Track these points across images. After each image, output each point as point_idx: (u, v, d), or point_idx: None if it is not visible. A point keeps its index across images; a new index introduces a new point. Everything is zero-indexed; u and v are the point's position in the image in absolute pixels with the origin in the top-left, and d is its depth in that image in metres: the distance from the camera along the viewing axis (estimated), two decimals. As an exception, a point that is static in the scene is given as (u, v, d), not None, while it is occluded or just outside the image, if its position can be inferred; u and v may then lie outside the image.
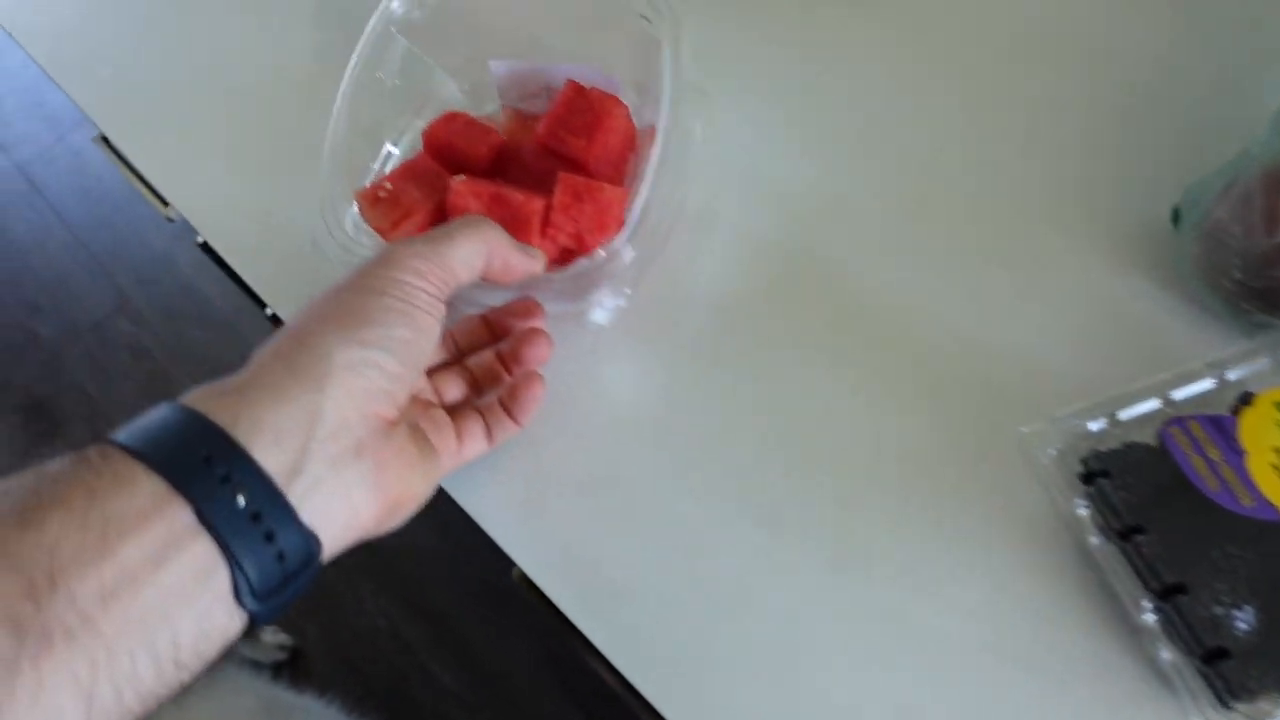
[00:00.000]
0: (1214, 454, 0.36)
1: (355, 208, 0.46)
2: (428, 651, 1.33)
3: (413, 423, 0.36)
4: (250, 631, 1.09)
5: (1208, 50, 0.51)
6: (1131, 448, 0.37)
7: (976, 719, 0.37)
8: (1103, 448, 0.38)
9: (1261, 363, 0.38)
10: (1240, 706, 0.32)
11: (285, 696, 0.80)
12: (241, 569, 0.27)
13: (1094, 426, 0.38)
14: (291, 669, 1.27)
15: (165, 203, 0.83)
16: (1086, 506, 0.37)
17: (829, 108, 0.53)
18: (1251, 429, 0.36)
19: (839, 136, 0.52)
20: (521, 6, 0.50)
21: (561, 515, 0.44)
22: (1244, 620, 0.33)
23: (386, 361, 0.32)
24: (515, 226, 0.42)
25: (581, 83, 0.47)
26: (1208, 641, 0.33)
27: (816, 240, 0.49)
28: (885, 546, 0.41)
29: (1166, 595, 0.34)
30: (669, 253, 0.48)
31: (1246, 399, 0.37)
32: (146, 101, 0.63)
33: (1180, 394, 0.38)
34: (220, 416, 0.28)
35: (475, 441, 0.41)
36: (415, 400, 0.40)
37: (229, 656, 0.88)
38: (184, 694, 0.27)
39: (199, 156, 0.60)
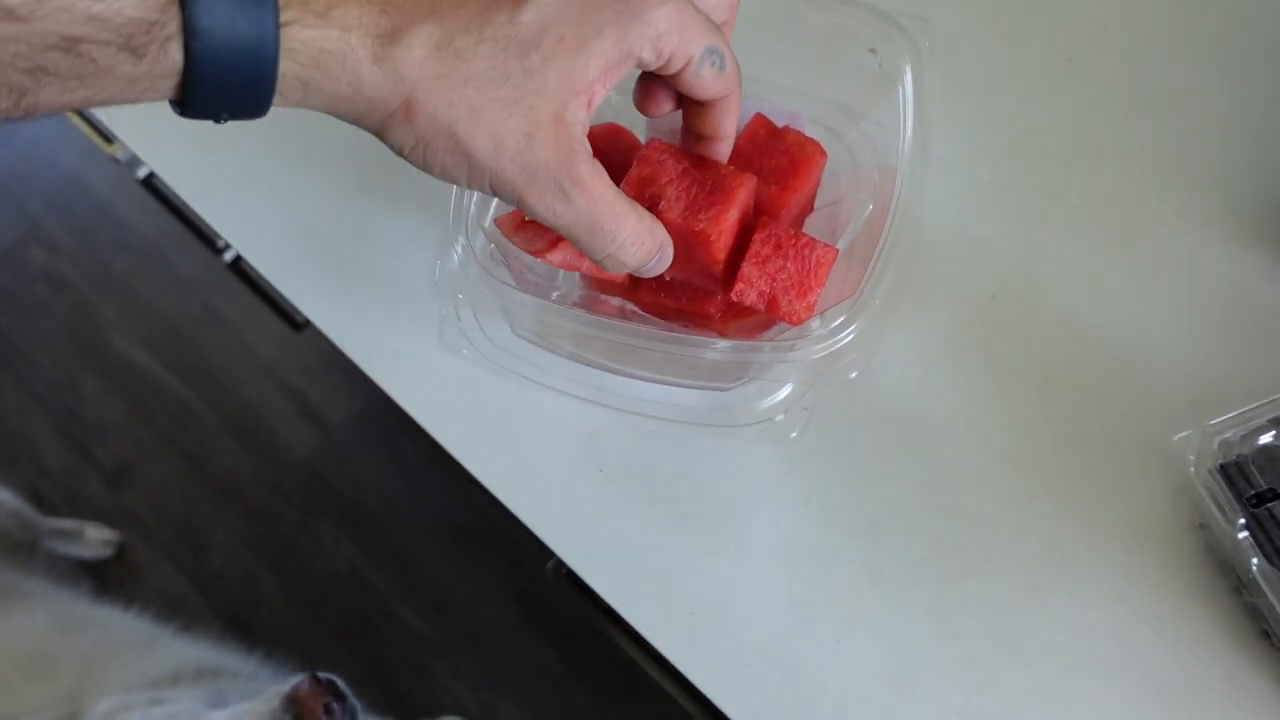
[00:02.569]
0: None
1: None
2: (391, 593, 1.30)
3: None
4: (74, 531, 1.07)
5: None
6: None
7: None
8: (1267, 462, 0.34)
9: None
10: None
11: (82, 610, 0.80)
12: (198, 42, 0.24)
13: (1264, 439, 0.34)
14: (118, 565, 1.28)
15: (109, 140, 0.73)
16: (1248, 528, 0.33)
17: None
18: None
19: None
20: None
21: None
22: None
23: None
24: (714, 200, 0.36)
25: (768, 117, 0.40)
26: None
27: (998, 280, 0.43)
28: (1003, 560, 0.38)
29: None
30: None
31: None
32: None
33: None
34: None
35: None
36: None
37: (33, 569, 0.91)
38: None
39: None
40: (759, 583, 0.38)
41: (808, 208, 0.42)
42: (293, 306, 0.47)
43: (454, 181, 0.29)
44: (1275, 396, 0.35)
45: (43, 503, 1.31)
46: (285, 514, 1.36)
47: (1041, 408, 0.40)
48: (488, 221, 0.40)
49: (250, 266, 0.72)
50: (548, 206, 0.30)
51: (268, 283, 0.47)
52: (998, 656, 0.37)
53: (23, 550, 1.01)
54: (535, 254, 0.37)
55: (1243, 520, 0.34)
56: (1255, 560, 0.33)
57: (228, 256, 0.82)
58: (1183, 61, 0.47)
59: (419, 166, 0.29)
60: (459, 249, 0.37)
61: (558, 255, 0.37)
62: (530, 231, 0.37)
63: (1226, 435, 0.35)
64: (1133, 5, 0.49)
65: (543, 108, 0.28)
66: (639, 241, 0.32)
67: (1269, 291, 0.41)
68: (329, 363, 1.46)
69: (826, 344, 0.34)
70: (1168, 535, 0.37)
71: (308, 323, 0.47)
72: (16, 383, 1.50)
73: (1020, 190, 0.44)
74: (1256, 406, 0.35)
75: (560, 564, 0.48)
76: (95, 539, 1.26)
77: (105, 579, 1.27)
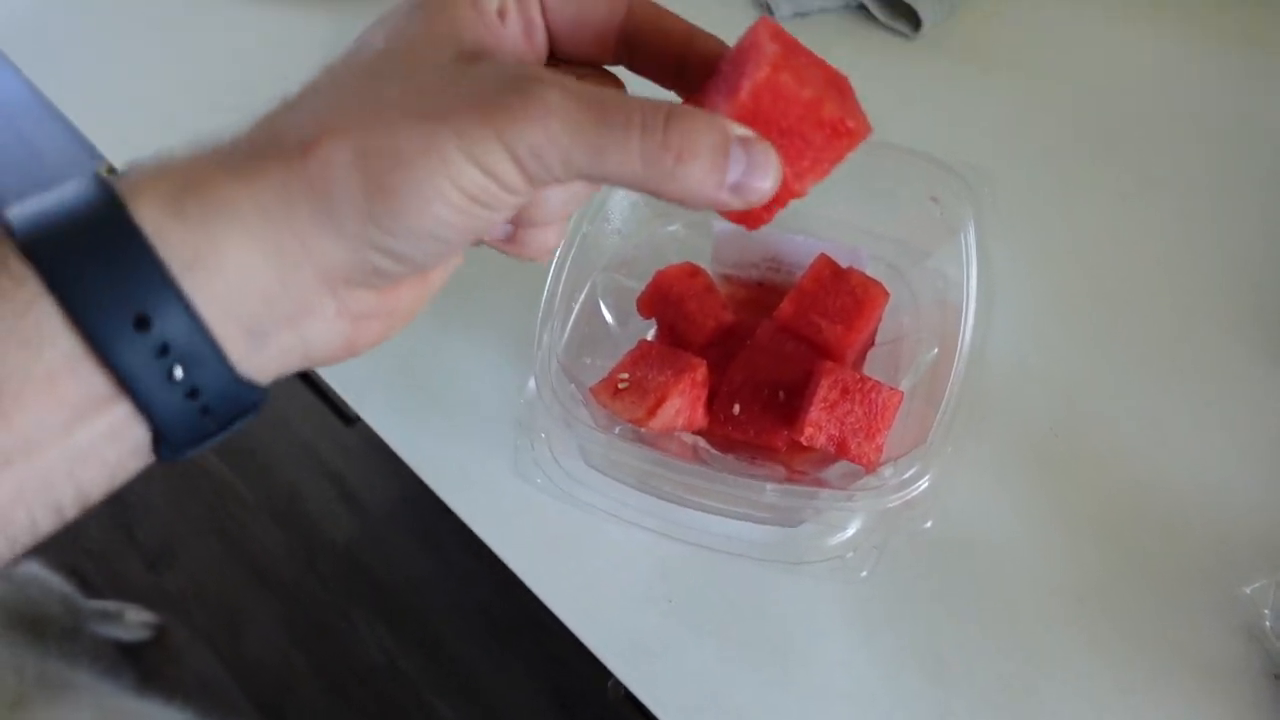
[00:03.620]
0: None
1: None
2: (426, 683, 1.29)
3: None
4: (115, 613, 1.08)
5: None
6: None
7: None
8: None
9: None
10: None
11: (126, 704, 0.80)
12: (165, 431, 0.23)
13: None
14: (156, 649, 1.27)
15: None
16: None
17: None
18: None
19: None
20: None
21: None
22: None
23: (404, 259, 0.24)
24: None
25: (831, 257, 0.42)
26: None
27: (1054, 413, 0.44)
28: (1074, 704, 0.37)
29: None
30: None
31: None
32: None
33: None
34: (174, 253, 0.21)
35: None
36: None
37: (78, 659, 0.92)
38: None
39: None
40: (819, 710, 0.38)
41: (870, 343, 0.43)
42: (343, 404, 0.48)
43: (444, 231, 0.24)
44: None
45: (85, 583, 1.33)
46: (322, 598, 1.36)
47: (1106, 547, 0.40)
48: (560, 352, 0.42)
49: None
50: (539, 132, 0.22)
51: (320, 378, 0.49)
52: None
53: (69, 636, 1.02)
54: (636, 423, 0.38)
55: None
56: (1338, 719, 0.33)
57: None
58: (1238, 199, 0.48)
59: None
60: (535, 383, 0.39)
61: (659, 421, 0.38)
62: (629, 399, 0.39)
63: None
64: (1185, 145, 0.50)
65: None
66: (694, 136, 0.23)
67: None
68: (369, 446, 1.48)
69: (900, 494, 0.34)
70: (1239, 683, 0.37)
71: (358, 419, 0.48)
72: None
73: (1079, 327, 0.45)
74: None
75: (619, 685, 0.48)
76: (135, 621, 1.27)
77: (145, 664, 1.27)
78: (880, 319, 0.43)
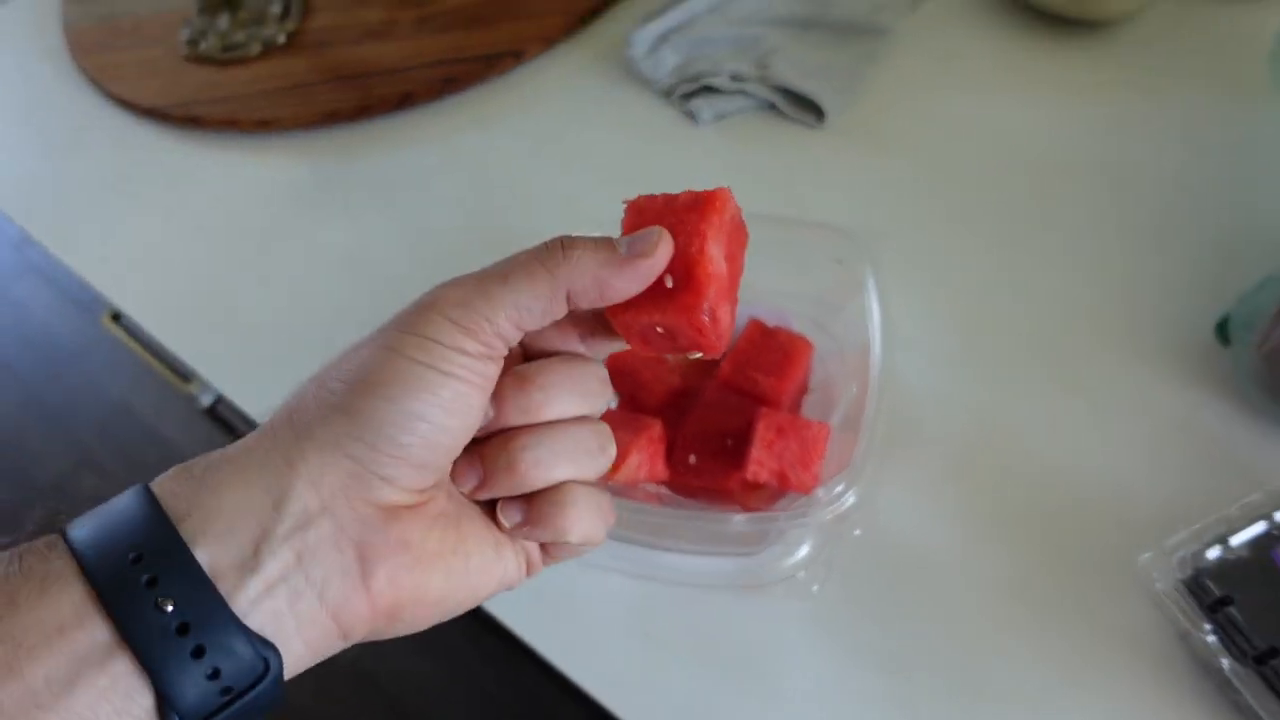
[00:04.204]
0: (1326, 571, 0.38)
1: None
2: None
3: (442, 510, 0.28)
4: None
5: (1222, 176, 0.56)
6: (1247, 568, 0.40)
7: None
8: (1219, 572, 0.40)
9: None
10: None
11: None
12: (168, 693, 0.23)
13: (1212, 554, 0.40)
14: None
15: (185, 379, 0.83)
16: (1215, 633, 0.38)
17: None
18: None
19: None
20: None
21: None
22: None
23: (385, 442, 0.25)
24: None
25: (760, 320, 0.49)
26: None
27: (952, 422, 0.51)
28: (1020, 684, 0.42)
29: (1262, 660, 0.36)
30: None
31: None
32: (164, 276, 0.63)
33: None
34: (176, 502, 0.25)
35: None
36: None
37: None
38: None
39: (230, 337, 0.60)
40: (797, 716, 0.43)
41: (804, 389, 0.50)
42: None
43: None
44: (1221, 513, 0.41)
45: None
46: (334, 715, 1.37)
47: (1026, 542, 0.46)
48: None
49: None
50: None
51: None
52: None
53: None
54: (604, 478, 0.44)
55: (1209, 626, 0.39)
56: (1226, 661, 0.38)
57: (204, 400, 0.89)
58: (1116, 231, 0.56)
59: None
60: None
61: (624, 474, 0.44)
62: None
63: (1182, 553, 0.40)
64: (1046, 193, 0.58)
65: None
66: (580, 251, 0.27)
67: (1207, 420, 0.48)
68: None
69: (832, 508, 0.40)
70: (1154, 647, 0.42)
71: None
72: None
73: (983, 354, 0.52)
74: (1205, 524, 0.41)
75: None
76: None
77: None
78: (809, 368, 0.49)
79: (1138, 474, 0.46)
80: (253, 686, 0.24)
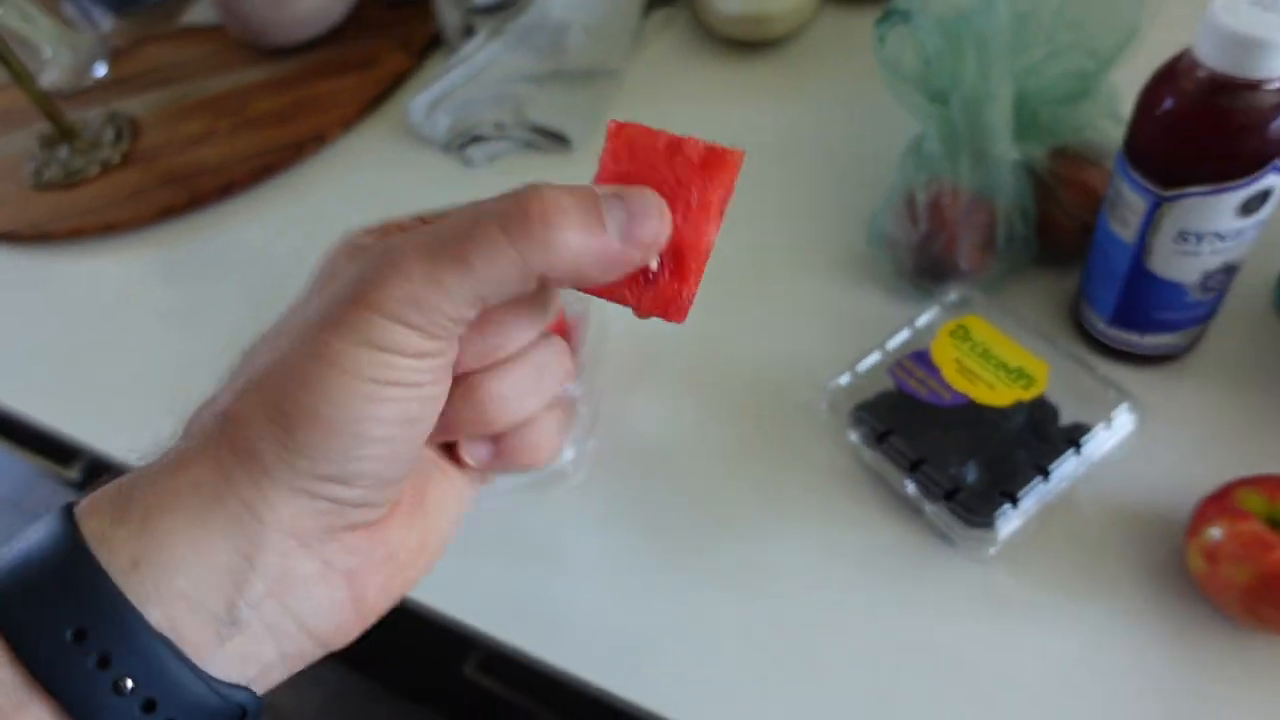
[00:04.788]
0: (920, 374, 0.52)
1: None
2: None
3: (407, 496, 0.26)
4: None
5: (864, 140, 0.73)
6: (878, 394, 0.54)
7: (828, 607, 0.50)
8: (858, 399, 0.54)
9: (934, 311, 0.56)
10: (975, 522, 0.47)
11: None
12: None
13: (844, 381, 0.54)
14: None
15: (64, 462, 0.91)
16: (855, 432, 0.52)
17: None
18: (940, 352, 0.53)
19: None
20: None
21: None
22: (969, 473, 0.49)
23: (356, 477, 0.22)
24: None
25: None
26: (947, 486, 0.48)
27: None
28: (742, 521, 0.55)
29: (915, 468, 0.49)
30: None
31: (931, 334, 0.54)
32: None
33: (892, 344, 0.55)
34: (115, 552, 0.21)
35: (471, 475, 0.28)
36: None
37: None
38: None
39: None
40: (589, 589, 0.54)
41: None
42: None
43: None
44: (852, 357, 0.55)
45: None
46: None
47: (740, 417, 0.59)
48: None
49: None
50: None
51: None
52: (756, 579, 0.53)
53: None
54: None
55: (849, 430, 0.52)
56: (867, 452, 0.52)
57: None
58: (795, 188, 0.71)
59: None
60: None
61: None
62: None
63: (828, 387, 0.54)
64: (760, 164, 0.74)
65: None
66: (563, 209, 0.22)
67: (856, 304, 0.63)
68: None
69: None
70: (836, 465, 0.56)
71: None
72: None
73: (704, 292, 0.66)
74: (843, 368, 0.55)
75: (477, 664, 0.63)
76: None
77: None
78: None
79: (814, 349, 0.61)
80: None
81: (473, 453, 0.26)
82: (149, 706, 0.21)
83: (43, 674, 0.20)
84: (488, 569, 0.56)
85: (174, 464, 0.22)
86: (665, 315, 0.25)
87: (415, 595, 0.56)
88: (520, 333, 0.25)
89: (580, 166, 0.78)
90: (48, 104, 0.83)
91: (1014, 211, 0.58)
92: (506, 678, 0.66)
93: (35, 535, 0.22)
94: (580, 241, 0.22)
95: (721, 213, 0.24)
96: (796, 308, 0.64)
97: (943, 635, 0.49)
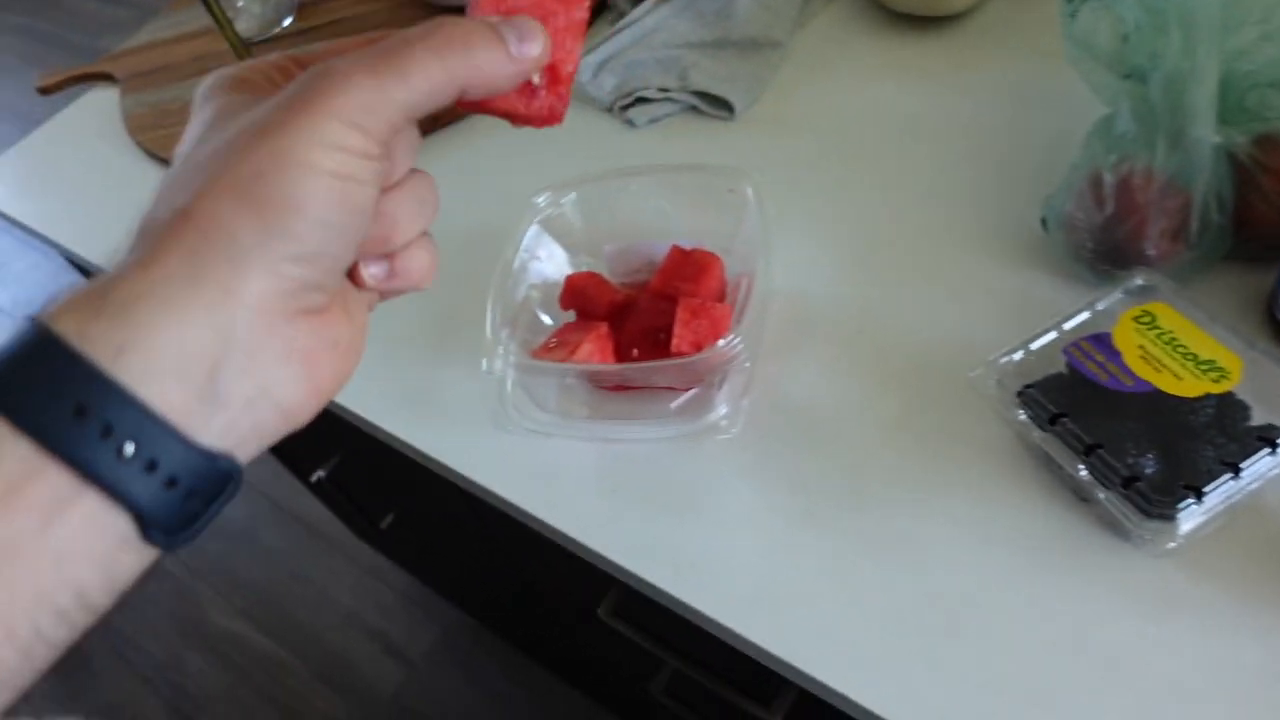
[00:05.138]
0: (1100, 358, 0.51)
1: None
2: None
3: (343, 295, 0.30)
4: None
5: (1039, 121, 0.71)
6: (1048, 375, 0.52)
7: (981, 588, 0.49)
8: (1029, 378, 0.52)
9: (1116, 295, 0.54)
10: (1154, 514, 0.46)
11: None
12: (145, 516, 0.24)
13: (1016, 357, 0.52)
14: None
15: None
16: (1024, 412, 0.51)
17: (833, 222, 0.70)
18: (1122, 336, 0.51)
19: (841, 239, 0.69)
20: (626, 201, 0.66)
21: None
22: (1149, 464, 0.47)
23: (316, 259, 0.26)
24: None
25: (681, 246, 0.63)
26: (1125, 474, 0.47)
27: (839, 312, 0.64)
28: (894, 491, 0.55)
29: (1090, 453, 0.48)
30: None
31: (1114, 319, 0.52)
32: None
33: (1069, 325, 0.53)
34: (98, 347, 0.24)
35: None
36: None
37: None
38: None
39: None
40: (732, 538, 0.55)
41: (720, 295, 0.63)
42: (367, 520, 0.64)
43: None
44: (1026, 336, 0.54)
45: (157, 776, 1.43)
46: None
47: (900, 389, 0.58)
48: (514, 348, 0.61)
49: (330, 489, 0.91)
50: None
51: (348, 505, 0.66)
52: (906, 551, 0.52)
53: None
54: (563, 360, 0.57)
55: (1018, 409, 0.51)
56: (1035, 433, 0.50)
57: (315, 477, 1.02)
58: (965, 167, 0.70)
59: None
60: (497, 358, 0.58)
61: (578, 357, 0.57)
62: (557, 351, 0.59)
63: (998, 363, 0.53)
64: (919, 144, 0.73)
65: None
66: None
67: (1036, 288, 0.61)
68: (405, 598, 1.61)
69: (726, 349, 0.54)
70: (999, 445, 0.54)
71: (384, 532, 0.63)
72: (128, 669, 1.65)
73: (866, 264, 0.66)
74: (1015, 345, 0.54)
75: (611, 608, 0.64)
76: None
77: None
78: (722, 277, 0.63)
79: (980, 329, 0.59)
80: (222, 490, 0.26)
81: (371, 270, 0.30)
82: (151, 467, 0.24)
83: (52, 442, 0.23)
84: (635, 512, 0.57)
85: (141, 261, 0.25)
86: (548, 121, 0.30)
87: (565, 528, 0.57)
88: (404, 161, 0.30)
89: (741, 133, 0.78)
90: (245, 51, 0.88)
91: (1210, 198, 0.56)
92: (640, 623, 0.68)
93: (14, 341, 0.24)
94: (490, 58, 0.27)
95: (583, 33, 0.30)
96: (962, 284, 0.63)
97: (1108, 632, 0.47)
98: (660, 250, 0.65)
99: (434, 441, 0.63)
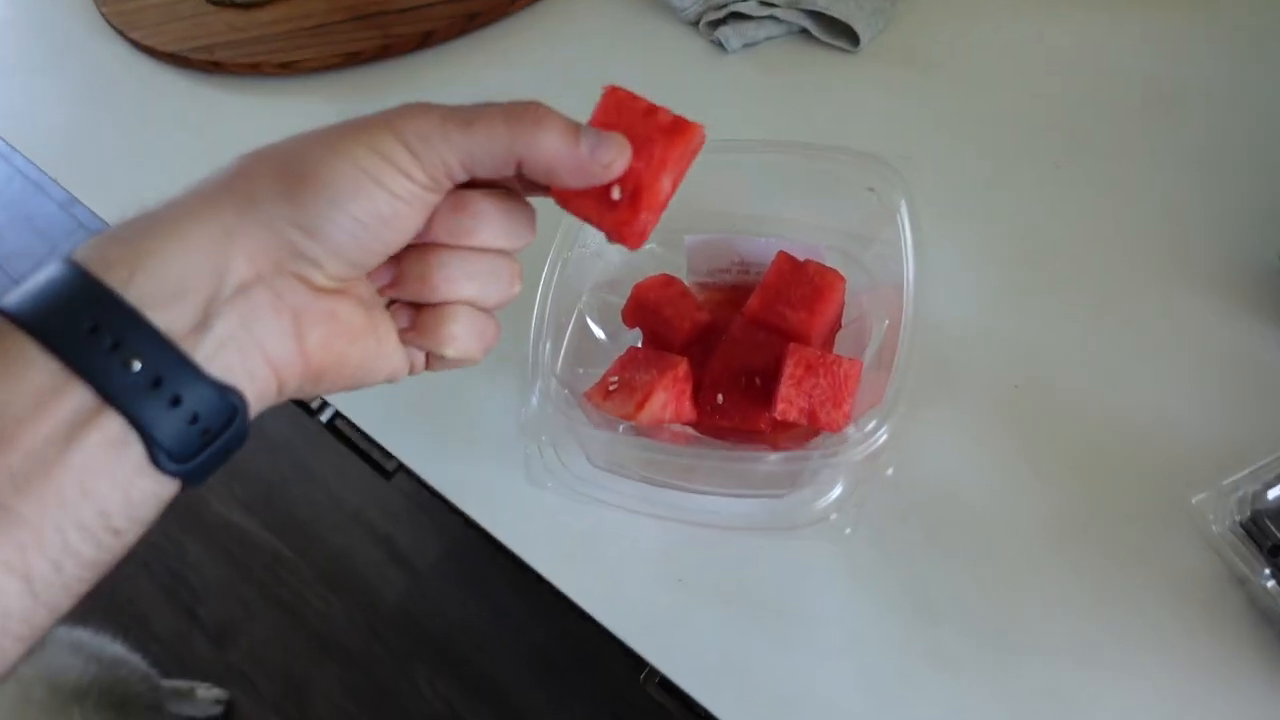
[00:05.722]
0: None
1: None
2: (492, 732, 1.31)
3: (360, 297, 0.31)
4: (186, 691, 1.12)
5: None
6: (1292, 503, 0.37)
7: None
8: (1260, 503, 0.38)
9: None
10: None
11: None
12: (153, 437, 0.26)
13: (1273, 495, 0.37)
14: None
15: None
16: (1275, 578, 0.36)
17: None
18: None
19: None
20: (717, 183, 0.47)
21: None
22: None
23: (322, 235, 0.28)
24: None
25: (790, 253, 0.47)
26: None
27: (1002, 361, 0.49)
28: (1056, 632, 0.41)
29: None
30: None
31: None
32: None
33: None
34: (113, 272, 0.26)
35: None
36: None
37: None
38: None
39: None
40: (832, 671, 0.42)
41: (836, 325, 0.48)
42: (381, 458, 0.53)
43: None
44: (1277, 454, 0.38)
45: (156, 666, 1.39)
46: (381, 658, 1.41)
47: (1071, 483, 0.44)
48: (557, 367, 0.46)
49: (344, 424, 0.79)
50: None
51: (359, 437, 0.53)
52: (1065, 715, 0.39)
53: (152, 713, 1.07)
54: (627, 418, 0.43)
55: (1268, 571, 0.37)
56: (1284, 605, 0.36)
57: (324, 417, 0.90)
58: (1166, 154, 0.52)
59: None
60: (537, 396, 0.44)
61: (647, 414, 0.43)
62: (619, 398, 0.44)
63: (1241, 493, 0.38)
64: (1110, 113, 0.55)
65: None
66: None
67: (1262, 352, 0.45)
68: (413, 505, 1.53)
69: (863, 447, 0.39)
70: (1208, 593, 0.40)
71: (396, 469, 0.52)
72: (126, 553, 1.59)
73: (1025, 287, 0.50)
74: (1267, 463, 0.38)
75: (652, 675, 0.52)
76: (205, 698, 1.33)
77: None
78: (842, 302, 0.47)
79: (1191, 410, 0.44)
80: (226, 426, 0.27)
81: (397, 315, 0.32)
82: (157, 383, 0.25)
83: (70, 356, 0.25)
84: (705, 615, 0.44)
85: (169, 203, 0.27)
86: (621, 239, 0.31)
87: (613, 626, 0.45)
88: (490, 232, 0.31)
89: (856, 70, 0.60)
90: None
91: None
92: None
93: (44, 272, 0.26)
94: (555, 143, 0.29)
95: (681, 172, 0.31)
96: (1170, 340, 0.47)
97: None
98: (755, 249, 0.49)
99: (455, 478, 0.50)
